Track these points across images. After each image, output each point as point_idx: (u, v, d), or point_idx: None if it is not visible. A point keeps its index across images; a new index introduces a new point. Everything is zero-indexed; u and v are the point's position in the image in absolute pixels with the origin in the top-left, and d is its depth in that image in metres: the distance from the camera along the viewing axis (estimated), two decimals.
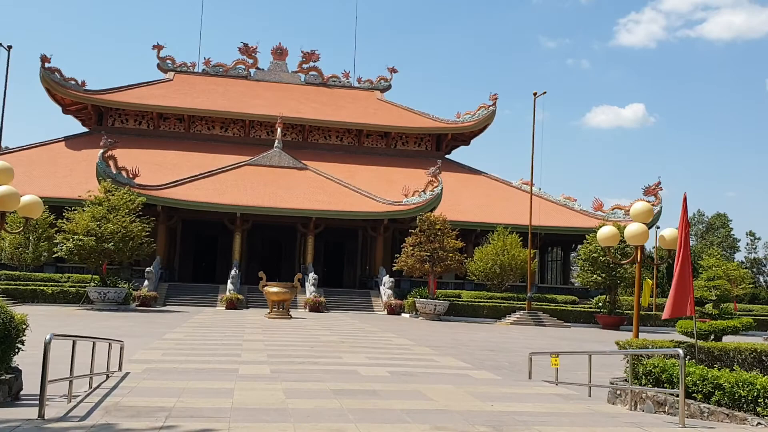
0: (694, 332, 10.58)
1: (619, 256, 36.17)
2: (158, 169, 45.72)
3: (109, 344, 10.49)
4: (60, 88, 52.56)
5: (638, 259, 11.46)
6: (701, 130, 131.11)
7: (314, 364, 14.09)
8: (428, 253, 35.86)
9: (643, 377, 10.28)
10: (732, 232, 78.45)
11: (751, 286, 47.80)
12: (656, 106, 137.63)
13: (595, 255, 38.20)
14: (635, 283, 37.04)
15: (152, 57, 63.03)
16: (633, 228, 11.15)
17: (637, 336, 11.37)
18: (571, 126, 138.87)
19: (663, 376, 9.72)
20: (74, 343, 8.58)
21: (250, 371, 12.27)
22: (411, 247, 36.62)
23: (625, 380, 10.82)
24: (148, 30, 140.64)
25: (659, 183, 49.69)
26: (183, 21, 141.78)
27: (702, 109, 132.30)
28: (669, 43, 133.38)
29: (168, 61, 61.26)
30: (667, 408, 9.40)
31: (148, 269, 38.17)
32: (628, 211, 51.06)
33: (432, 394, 9.52)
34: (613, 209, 50.75)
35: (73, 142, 51.85)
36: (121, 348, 11.34)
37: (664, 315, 9.78)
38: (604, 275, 38.03)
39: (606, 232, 11.88)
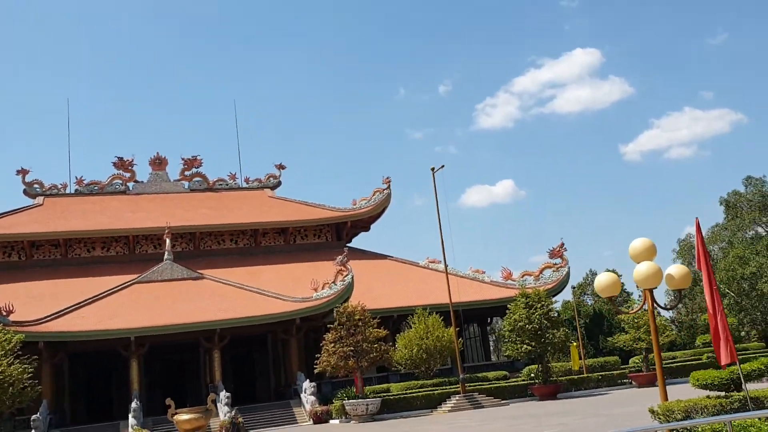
0: (742, 382, 8.75)
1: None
2: (36, 301, 40.82)
3: None
4: None
5: (651, 305, 9.63)
6: (568, 196, 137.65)
7: None
8: (351, 348, 33.08)
9: None
10: (624, 287, 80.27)
11: (674, 333, 47.94)
12: (524, 180, 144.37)
13: (521, 324, 36.82)
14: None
15: (17, 183, 57.89)
16: (643, 269, 9.33)
17: (666, 398, 9.40)
18: (450, 208, 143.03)
19: None
20: None
21: None
22: (332, 344, 33.71)
23: None
24: (9, 155, 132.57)
25: (563, 244, 49.86)
26: (49, 142, 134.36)
27: (565, 177, 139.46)
28: (525, 121, 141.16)
29: (35, 186, 56.36)
30: None
31: (33, 417, 32.98)
32: (538, 276, 51.27)
33: None
34: (522, 276, 50.15)
35: None
36: None
37: (722, 362, 7.93)
38: (533, 344, 36.55)
39: (605, 280, 10.02)
